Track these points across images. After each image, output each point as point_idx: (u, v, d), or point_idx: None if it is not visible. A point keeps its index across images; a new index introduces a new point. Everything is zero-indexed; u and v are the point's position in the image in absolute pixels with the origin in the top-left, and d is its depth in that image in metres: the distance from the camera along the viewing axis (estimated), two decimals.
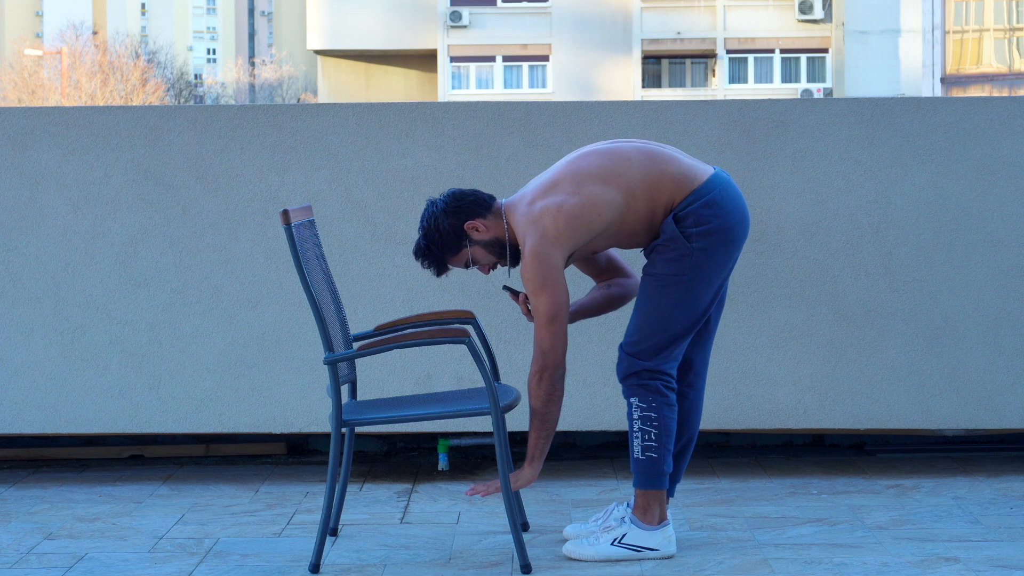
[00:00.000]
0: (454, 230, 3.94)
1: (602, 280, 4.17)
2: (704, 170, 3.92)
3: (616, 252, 4.20)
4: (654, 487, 3.96)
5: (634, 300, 4.14)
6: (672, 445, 3.97)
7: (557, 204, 3.85)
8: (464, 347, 4.35)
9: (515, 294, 4.04)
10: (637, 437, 3.94)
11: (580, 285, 4.80)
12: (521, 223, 3.90)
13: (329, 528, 4.03)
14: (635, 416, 3.94)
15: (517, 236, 3.92)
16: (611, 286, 4.15)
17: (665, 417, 3.93)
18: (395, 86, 37.60)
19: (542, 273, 3.83)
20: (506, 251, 3.96)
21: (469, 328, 4.29)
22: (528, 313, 4.02)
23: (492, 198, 3.99)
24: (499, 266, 4.02)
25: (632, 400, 3.94)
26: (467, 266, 4.00)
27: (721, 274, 3.91)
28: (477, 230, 3.94)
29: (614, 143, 3.98)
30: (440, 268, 4.00)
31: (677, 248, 3.85)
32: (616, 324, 4.74)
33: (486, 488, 3.94)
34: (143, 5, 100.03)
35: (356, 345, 4.23)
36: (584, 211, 3.84)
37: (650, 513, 3.97)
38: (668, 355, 3.93)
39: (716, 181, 3.89)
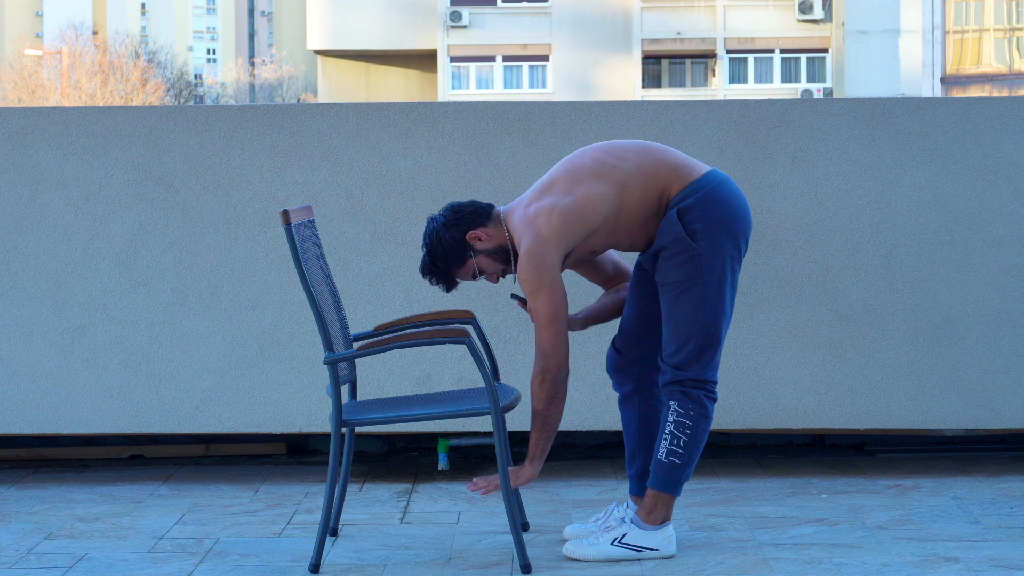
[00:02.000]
0: (456, 242, 3.94)
1: (610, 286, 4.17)
2: (700, 165, 3.93)
3: (620, 257, 4.20)
4: (667, 491, 3.95)
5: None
6: (697, 458, 3.97)
7: (551, 204, 3.85)
8: (464, 347, 4.35)
9: (523, 302, 4.03)
10: (666, 439, 3.93)
11: (586, 291, 4.81)
12: (518, 226, 3.91)
13: (329, 528, 4.03)
14: (670, 419, 3.93)
15: (515, 240, 3.92)
16: (620, 290, 4.15)
17: (699, 428, 3.93)
18: (395, 86, 37.60)
19: (538, 274, 3.83)
20: (511, 257, 3.96)
21: (469, 328, 4.29)
22: None
23: (491, 206, 3.99)
24: (506, 274, 4.02)
25: (672, 404, 3.94)
26: (475, 277, 4.00)
27: (733, 268, 3.90)
28: (480, 239, 3.94)
29: (612, 141, 3.99)
30: (449, 283, 4.00)
31: (684, 251, 3.85)
32: (616, 324, 4.73)
33: (487, 484, 3.94)
34: (143, 5, 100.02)
35: (356, 345, 4.23)
36: (578, 209, 3.84)
37: (654, 515, 3.96)
38: (709, 361, 3.92)
39: (714, 176, 3.90)
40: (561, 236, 3.84)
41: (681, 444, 3.92)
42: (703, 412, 3.93)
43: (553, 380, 3.85)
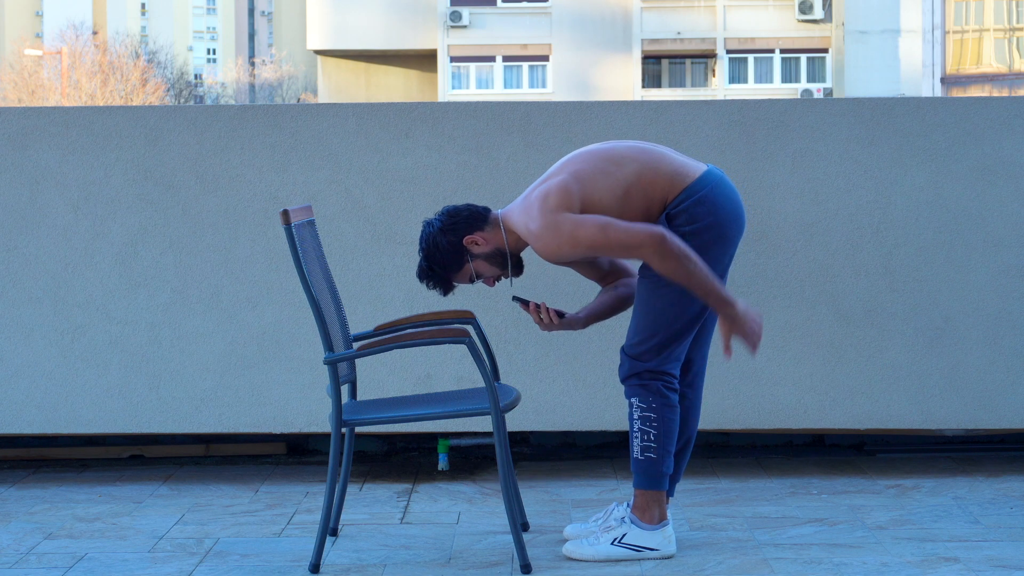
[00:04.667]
0: (453, 247, 3.93)
1: (607, 283, 4.16)
2: (696, 167, 3.91)
3: None
4: (653, 487, 3.96)
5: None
6: (672, 446, 3.97)
7: (547, 185, 3.85)
8: (464, 347, 4.35)
9: (525, 303, 4.02)
10: (637, 437, 3.94)
11: (587, 289, 4.81)
12: (520, 220, 3.89)
13: (329, 528, 4.03)
14: (635, 416, 3.94)
15: (520, 235, 3.91)
16: (618, 287, 4.14)
17: (665, 418, 3.93)
18: (395, 86, 37.60)
19: (560, 235, 3.78)
20: (508, 261, 3.96)
21: (469, 328, 4.29)
22: (541, 322, 4.01)
23: (487, 210, 3.98)
24: (503, 277, 4.01)
25: (633, 400, 3.94)
26: (472, 281, 4.00)
27: (717, 271, 3.91)
28: (477, 243, 3.94)
29: (608, 145, 3.97)
30: (446, 287, 3.99)
31: None
32: (616, 324, 4.73)
33: (746, 332, 3.83)
34: (143, 5, 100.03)
35: (356, 345, 4.23)
36: (577, 185, 3.82)
37: (649, 513, 3.97)
38: (669, 355, 3.93)
39: (708, 178, 3.89)
40: (567, 205, 3.81)
41: (652, 438, 3.93)
42: (665, 401, 3.93)
43: (666, 246, 3.73)
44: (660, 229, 3.76)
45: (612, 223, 3.77)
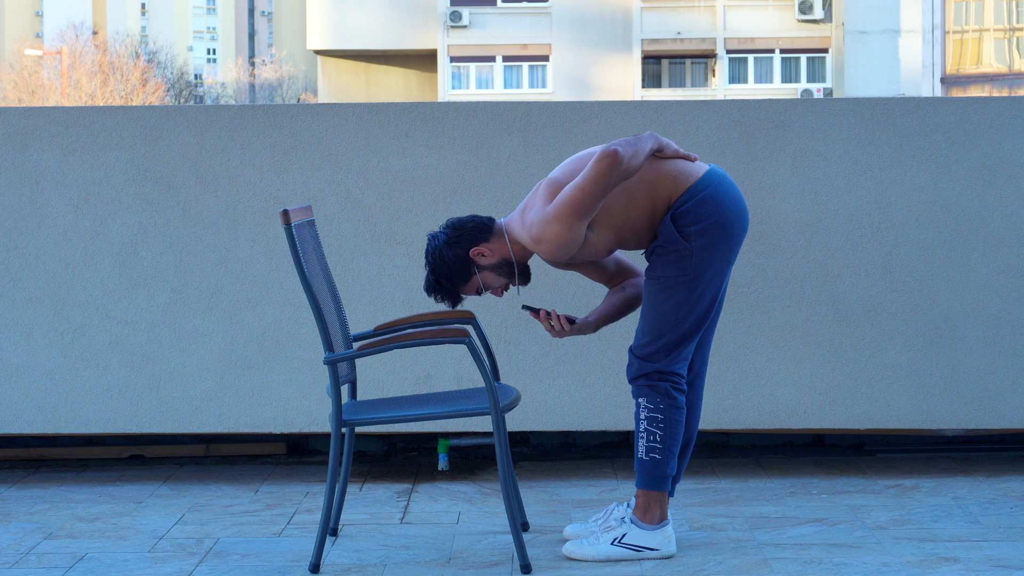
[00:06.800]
0: (460, 260, 3.93)
1: (614, 284, 4.16)
2: (699, 167, 3.92)
3: (623, 254, 4.20)
4: (656, 488, 3.96)
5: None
6: (677, 448, 3.97)
7: (543, 212, 3.85)
8: (464, 347, 4.35)
9: (535, 312, 4.02)
10: (642, 438, 3.94)
11: (588, 290, 4.81)
12: (522, 231, 3.90)
13: (329, 528, 4.03)
14: (642, 417, 3.94)
15: (523, 242, 3.91)
16: (625, 288, 4.14)
17: (672, 420, 3.93)
18: (395, 86, 37.60)
19: (550, 226, 3.78)
20: (515, 270, 3.95)
21: (469, 328, 4.29)
22: (552, 329, 4.01)
23: (491, 220, 3.98)
24: (511, 287, 4.01)
25: (640, 400, 3.95)
26: (480, 292, 4.00)
27: (723, 270, 3.91)
28: (483, 255, 3.94)
29: None
30: (454, 300, 3.99)
31: (677, 250, 3.85)
32: (615, 323, 4.73)
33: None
34: (143, 5, 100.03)
35: (356, 345, 4.23)
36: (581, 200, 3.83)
37: (650, 513, 3.97)
38: (677, 356, 3.93)
39: (711, 177, 3.90)
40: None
41: (658, 439, 3.93)
42: (672, 403, 3.93)
43: (621, 153, 3.74)
44: (607, 147, 3.74)
45: (575, 180, 3.77)
